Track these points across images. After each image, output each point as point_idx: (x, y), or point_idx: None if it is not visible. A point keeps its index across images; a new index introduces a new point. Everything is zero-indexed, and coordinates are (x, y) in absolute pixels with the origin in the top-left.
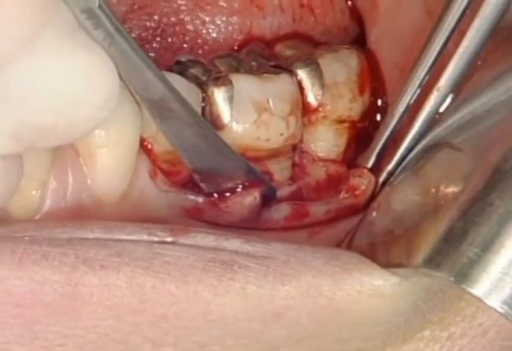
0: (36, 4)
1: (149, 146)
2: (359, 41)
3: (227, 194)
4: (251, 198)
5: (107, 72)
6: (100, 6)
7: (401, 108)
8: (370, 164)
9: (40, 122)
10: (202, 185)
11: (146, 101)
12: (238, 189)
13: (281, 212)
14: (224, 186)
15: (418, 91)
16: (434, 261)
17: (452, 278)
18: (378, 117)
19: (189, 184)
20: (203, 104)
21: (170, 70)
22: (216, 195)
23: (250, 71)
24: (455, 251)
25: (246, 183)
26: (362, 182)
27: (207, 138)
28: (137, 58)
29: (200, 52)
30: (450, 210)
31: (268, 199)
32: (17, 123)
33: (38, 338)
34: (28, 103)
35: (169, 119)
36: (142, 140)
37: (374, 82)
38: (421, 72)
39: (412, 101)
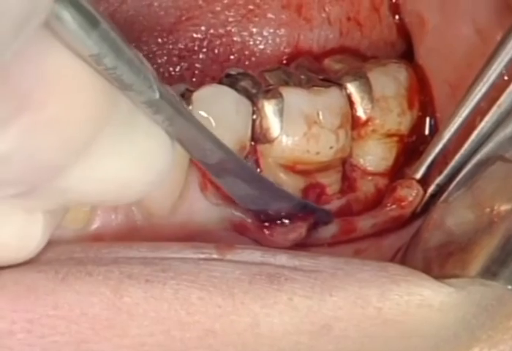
0: (100, 105)
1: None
2: (406, 57)
3: (276, 222)
4: (297, 234)
5: (164, 153)
6: (161, 96)
7: (457, 121)
8: (419, 175)
9: (85, 201)
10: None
11: (203, 164)
12: (286, 221)
13: (329, 231)
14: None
15: (475, 105)
16: (490, 270)
17: (509, 287)
18: (426, 131)
19: None
20: (254, 117)
21: (220, 82)
22: (263, 218)
23: (299, 84)
24: None
25: (298, 214)
26: (410, 193)
27: (263, 188)
28: (196, 132)
29: (246, 63)
30: (506, 221)
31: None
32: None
33: None
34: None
35: (225, 176)
36: None
37: (422, 97)
38: (482, 86)
39: (469, 114)
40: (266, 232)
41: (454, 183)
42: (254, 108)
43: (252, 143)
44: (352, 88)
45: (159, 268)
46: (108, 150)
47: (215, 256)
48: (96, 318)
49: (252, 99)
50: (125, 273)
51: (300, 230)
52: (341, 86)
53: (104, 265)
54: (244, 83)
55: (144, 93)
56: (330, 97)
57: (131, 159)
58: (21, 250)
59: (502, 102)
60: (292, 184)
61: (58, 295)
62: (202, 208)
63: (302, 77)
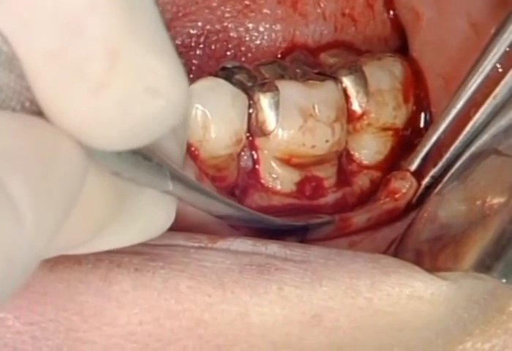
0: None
1: (196, 152)
2: (399, 52)
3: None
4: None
5: (168, 219)
6: (174, 185)
7: (452, 113)
8: (414, 167)
9: None
10: None
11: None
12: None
13: (324, 231)
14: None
15: (470, 97)
16: (484, 264)
17: (504, 280)
18: (421, 125)
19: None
20: (250, 111)
21: (216, 76)
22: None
23: (295, 78)
24: (506, 253)
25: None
26: (403, 185)
27: (266, 225)
28: (206, 200)
29: (243, 59)
30: (500, 214)
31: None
32: None
33: None
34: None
35: (228, 219)
36: (188, 146)
37: (417, 91)
38: (477, 78)
39: (464, 106)
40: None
41: (448, 175)
42: (250, 101)
43: (248, 136)
44: (347, 81)
45: (148, 257)
46: (110, 231)
47: (205, 244)
48: (84, 305)
49: (248, 92)
50: (115, 262)
51: (293, 239)
52: (336, 80)
53: (93, 253)
54: (240, 76)
55: (158, 187)
56: (326, 91)
57: (132, 235)
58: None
59: (498, 93)
60: (287, 177)
61: (47, 282)
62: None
63: (297, 70)
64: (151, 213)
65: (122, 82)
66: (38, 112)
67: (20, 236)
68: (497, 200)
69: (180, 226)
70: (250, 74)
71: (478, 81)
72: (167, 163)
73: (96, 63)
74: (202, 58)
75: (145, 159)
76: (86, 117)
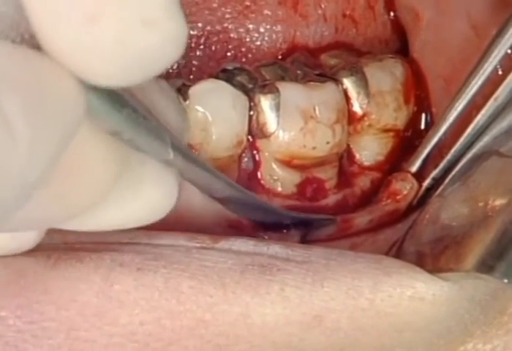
0: (111, 170)
1: (196, 153)
2: (400, 54)
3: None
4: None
5: (169, 201)
6: (175, 154)
7: (453, 114)
8: (415, 168)
9: None
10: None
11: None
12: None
13: (326, 230)
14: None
15: (471, 99)
16: (486, 264)
17: (505, 280)
18: (422, 126)
19: None
20: (251, 113)
21: (216, 78)
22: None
23: (295, 79)
24: (508, 253)
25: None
26: (404, 186)
27: (267, 213)
28: (207, 175)
29: (243, 60)
30: (502, 215)
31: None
32: None
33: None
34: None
35: (229, 204)
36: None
37: (418, 92)
38: (478, 80)
39: (465, 108)
40: (261, 233)
41: (449, 177)
42: (251, 103)
43: (249, 138)
44: (348, 83)
45: (150, 256)
46: (111, 203)
47: (207, 244)
48: (85, 305)
49: (249, 93)
50: (116, 261)
51: (294, 238)
52: (337, 81)
53: (95, 252)
54: (240, 78)
55: (158, 154)
56: (327, 92)
57: (133, 211)
58: None
59: (499, 94)
60: (288, 179)
61: (48, 281)
62: (199, 202)
63: (298, 72)
64: (152, 188)
65: (117, 12)
66: (37, 47)
67: (13, 151)
68: (499, 201)
69: (179, 226)
70: (251, 75)
71: (479, 83)
72: (167, 129)
73: None
74: (203, 59)
75: (145, 119)
76: (82, 48)
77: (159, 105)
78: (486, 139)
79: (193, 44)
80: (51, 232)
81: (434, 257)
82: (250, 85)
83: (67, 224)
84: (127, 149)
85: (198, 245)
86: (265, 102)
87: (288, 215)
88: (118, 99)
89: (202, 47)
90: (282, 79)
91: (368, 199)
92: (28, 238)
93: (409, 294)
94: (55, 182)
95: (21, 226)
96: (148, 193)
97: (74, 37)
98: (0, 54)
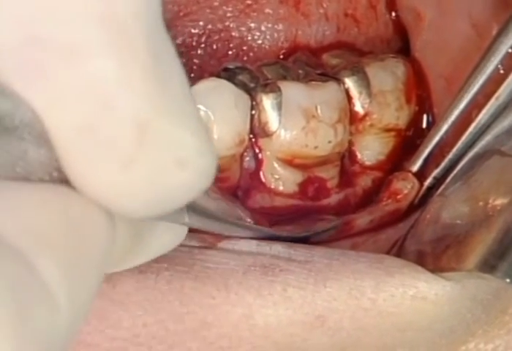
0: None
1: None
2: (401, 54)
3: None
4: None
5: (178, 239)
6: (190, 217)
7: (454, 113)
8: (416, 168)
9: None
10: None
11: None
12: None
13: (327, 233)
14: None
15: (473, 98)
16: (488, 263)
17: (508, 280)
18: (424, 125)
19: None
20: (253, 112)
21: (218, 76)
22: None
23: (297, 79)
24: (510, 252)
25: None
26: (405, 186)
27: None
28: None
29: (245, 59)
30: (504, 214)
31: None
32: None
33: None
34: None
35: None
36: None
37: (419, 91)
38: (479, 79)
39: (466, 107)
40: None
41: (451, 176)
42: (253, 102)
43: (251, 137)
44: (350, 82)
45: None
46: (124, 260)
47: (209, 244)
48: None
49: (250, 92)
50: None
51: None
52: (338, 81)
53: None
54: (242, 77)
55: (175, 222)
56: (329, 91)
57: (145, 256)
58: None
59: (500, 94)
60: (290, 178)
61: None
62: (202, 202)
63: (300, 71)
64: (164, 239)
65: (151, 156)
66: (65, 180)
67: (55, 323)
68: (501, 201)
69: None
70: (252, 74)
71: (480, 82)
72: None
73: (125, 139)
74: (204, 58)
75: None
76: (115, 190)
77: None
78: (487, 138)
79: (194, 43)
80: None
81: (435, 256)
82: (252, 84)
83: None
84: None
85: (200, 245)
86: (267, 101)
87: (299, 236)
88: None
89: (203, 45)
90: (284, 78)
91: (369, 198)
92: None
93: (411, 293)
94: None
95: None
96: (160, 244)
97: (107, 181)
98: (33, 209)
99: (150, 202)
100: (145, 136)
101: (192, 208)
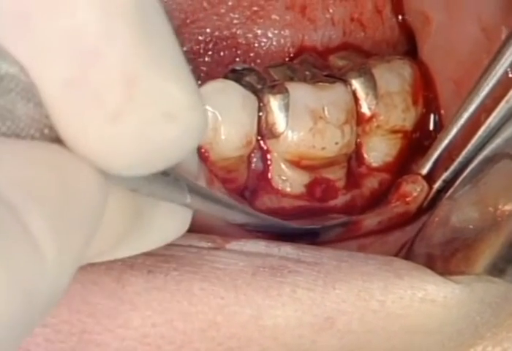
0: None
1: (206, 154)
2: (408, 56)
3: None
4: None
5: (182, 228)
6: (192, 198)
7: (464, 116)
8: (425, 171)
9: None
10: None
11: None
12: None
13: (334, 233)
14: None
15: (482, 101)
16: (497, 267)
17: None
18: (431, 127)
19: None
20: (260, 113)
21: (225, 78)
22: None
23: (304, 80)
24: None
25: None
26: (415, 188)
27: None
28: (223, 209)
29: (252, 65)
30: None
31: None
32: None
33: None
34: None
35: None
36: (198, 148)
37: (426, 93)
38: (489, 82)
39: (476, 110)
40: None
41: (460, 179)
42: (260, 103)
43: (258, 138)
44: (356, 84)
45: (162, 258)
46: (124, 243)
47: (218, 245)
48: (98, 307)
49: (258, 94)
50: (127, 263)
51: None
52: (345, 82)
53: None
54: (249, 78)
55: (176, 201)
56: (336, 93)
57: (148, 244)
58: None
59: (510, 97)
60: (297, 179)
61: None
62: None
63: (307, 73)
64: (166, 223)
65: (139, 109)
66: (57, 139)
67: (41, 274)
68: (510, 206)
69: (191, 228)
70: (259, 76)
71: (490, 85)
72: (184, 177)
73: (113, 91)
74: (211, 65)
75: (162, 174)
76: (104, 144)
77: None
78: (497, 141)
79: (201, 50)
80: None
81: (444, 259)
82: (259, 86)
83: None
84: (142, 199)
85: (209, 246)
86: (274, 103)
87: (304, 228)
88: None
89: (210, 52)
90: (291, 79)
91: (376, 200)
92: None
93: (420, 296)
94: None
95: None
96: (163, 228)
97: (96, 134)
98: (21, 159)
99: (140, 158)
100: (133, 89)
101: (194, 190)
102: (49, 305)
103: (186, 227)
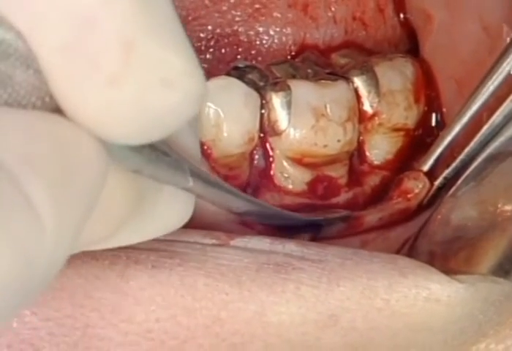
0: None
1: (208, 150)
2: (410, 54)
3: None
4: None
5: (185, 216)
6: (194, 182)
7: (467, 114)
8: (427, 167)
9: None
10: None
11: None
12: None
13: (336, 228)
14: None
15: (486, 100)
16: (503, 268)
17: None
18: (433, 125)
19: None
20: (262, 111)
21: (228, 75)
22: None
23: (306, 77)
24: None
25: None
26: (416, 185)
27: (284, 219)
28: (226, 196)
29: (253, 63)
30: None
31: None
32: None
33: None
34: None
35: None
36: (201, 145)
37: (428, 91)
38: (494, 80)
39: (479, 108)
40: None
41: (463, 177)
42: (263, 101)
43: (261, 135)
44: (359, 82)
45: (166, 254)
46: (126, 229)
47: (223, 241)
48: (101, 302)
49: (260, 91)
50: (132, 258)
51: (305, 236)
52: (348, 80)
53: (110, 249)
54: (252, 76)
55: (178, 184)
56: (338, 90)
57: (150, 231)
58: None
59: None
60: (299, 177)
61: (65, 278)
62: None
63: (309, 70)
64: (169, 209)
65: (137, 74)
66: (57, 109)
67: (41, 244)
68: None
69: (195, 225)
70: (262, 73)
71: (495, 83)
72: (186, 160)
73: (110, 56)
74: (212, 62)
75: (164, 155)
76: (102, 110)
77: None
78: (501, 139)
79: (203, 47)
80: None
81: (445, 257)
82: (261, 83)
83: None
84: (145, 181)
85: (213, 242)
86: (277, 100)
87: (305, 219)
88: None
89: (211, 49)
90: (293, 77)
91: (378, 197)
92: None
93: (424, 295)
94: None
95: None
96: (165, 214)
97: (94, 100)
98: (21, 129)
99: (138, 125)
100: (130, 54)
101: (195, 173)
102: (46, 278)
103: (188, 216)
